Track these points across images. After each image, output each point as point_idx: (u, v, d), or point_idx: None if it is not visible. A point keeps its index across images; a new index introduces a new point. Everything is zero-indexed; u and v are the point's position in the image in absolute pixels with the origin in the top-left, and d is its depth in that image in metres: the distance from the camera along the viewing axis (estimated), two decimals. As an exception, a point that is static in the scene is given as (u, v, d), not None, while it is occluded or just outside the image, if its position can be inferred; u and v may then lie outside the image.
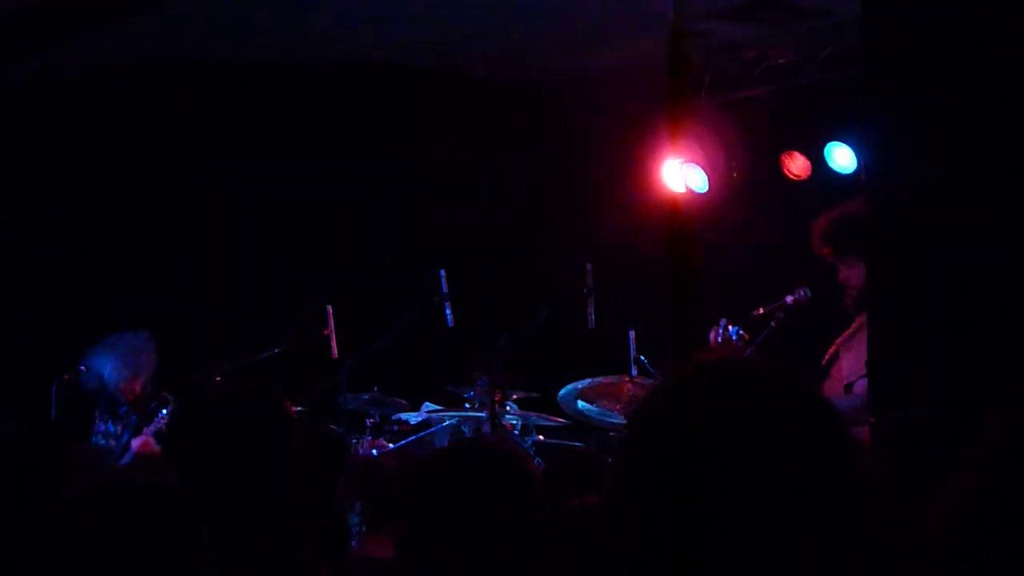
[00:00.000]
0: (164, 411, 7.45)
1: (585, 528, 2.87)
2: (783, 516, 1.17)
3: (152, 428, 7.40)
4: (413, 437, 7.74)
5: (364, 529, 5.20)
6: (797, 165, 8.82)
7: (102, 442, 7.80)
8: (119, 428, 7.80)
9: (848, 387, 6.09)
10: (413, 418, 8.01)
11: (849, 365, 6.14)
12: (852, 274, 6.19)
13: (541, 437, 7.87)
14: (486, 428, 7.58)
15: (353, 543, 5.36)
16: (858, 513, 1.00)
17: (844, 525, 0.99)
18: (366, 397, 7.88)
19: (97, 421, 7.86)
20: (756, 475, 1.23)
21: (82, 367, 7.74)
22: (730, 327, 6.24)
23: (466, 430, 7.79)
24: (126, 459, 7.52)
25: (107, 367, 7.73)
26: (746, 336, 6.28)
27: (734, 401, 1.27)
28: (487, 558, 2.51)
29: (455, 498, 2.55)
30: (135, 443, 7.53)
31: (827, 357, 6.30)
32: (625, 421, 6.59)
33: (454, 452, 2.77)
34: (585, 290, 7.49)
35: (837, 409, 1.43)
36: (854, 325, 6.28)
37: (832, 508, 1.01)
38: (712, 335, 6.25)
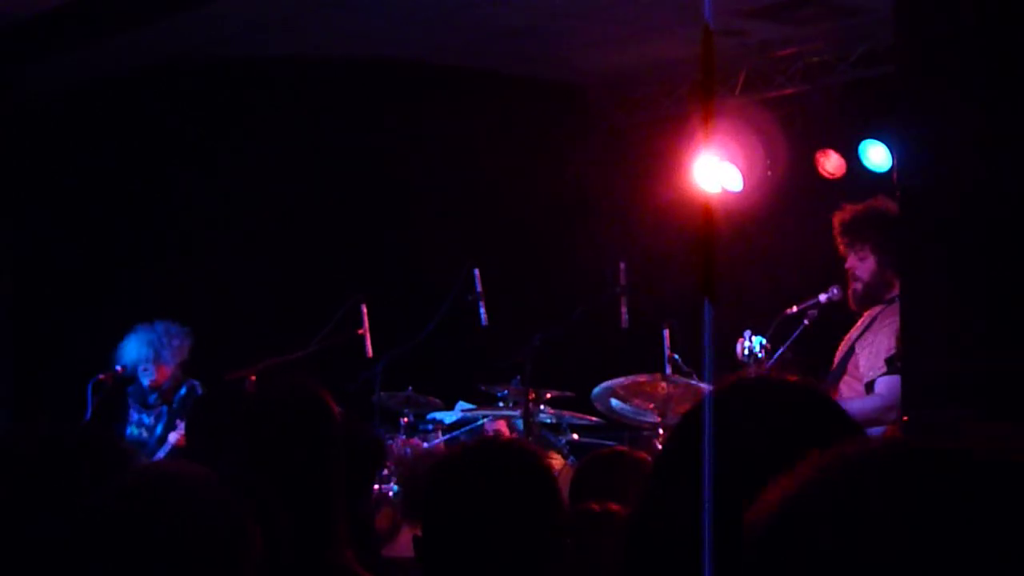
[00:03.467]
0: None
1: (598, 536, 2.85)
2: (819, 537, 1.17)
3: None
4: (456, 433, 7.77)
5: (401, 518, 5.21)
6: (832, 163, 8.80)
7: (136, 432, 7.88)
8: (152, 419, 7.88)
9: (869, 385, 6.12)
10: (447, 417, 8.03)
11: (867, 361, 6.21)
12: (861, 265, 6.36)
13: (575, 436, 7.87)
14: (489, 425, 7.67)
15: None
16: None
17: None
18: (400, 396, 7.91)
19: (130, 410, 7.95)
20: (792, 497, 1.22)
21: (116, 360, 7.86)
22: (753, 337, 6.30)
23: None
24: (162, 452, 7.59)
25: (130, 350, 7.83)
26: (768, 346, 6.35)
27: (773, 421, 1.27)
28: (502, 557, 2.50)
29: (468, 497, 2.55)
30: (172, 437, 7.62)
31: (840, 354, 6.35)
32: (658, 420, 6.59)
33: (467, 451, 2.76)
34: (619, 288, 7.48)
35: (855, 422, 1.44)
36: (864, 319, 6.38)
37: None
38: (738, 347, 6.32)
